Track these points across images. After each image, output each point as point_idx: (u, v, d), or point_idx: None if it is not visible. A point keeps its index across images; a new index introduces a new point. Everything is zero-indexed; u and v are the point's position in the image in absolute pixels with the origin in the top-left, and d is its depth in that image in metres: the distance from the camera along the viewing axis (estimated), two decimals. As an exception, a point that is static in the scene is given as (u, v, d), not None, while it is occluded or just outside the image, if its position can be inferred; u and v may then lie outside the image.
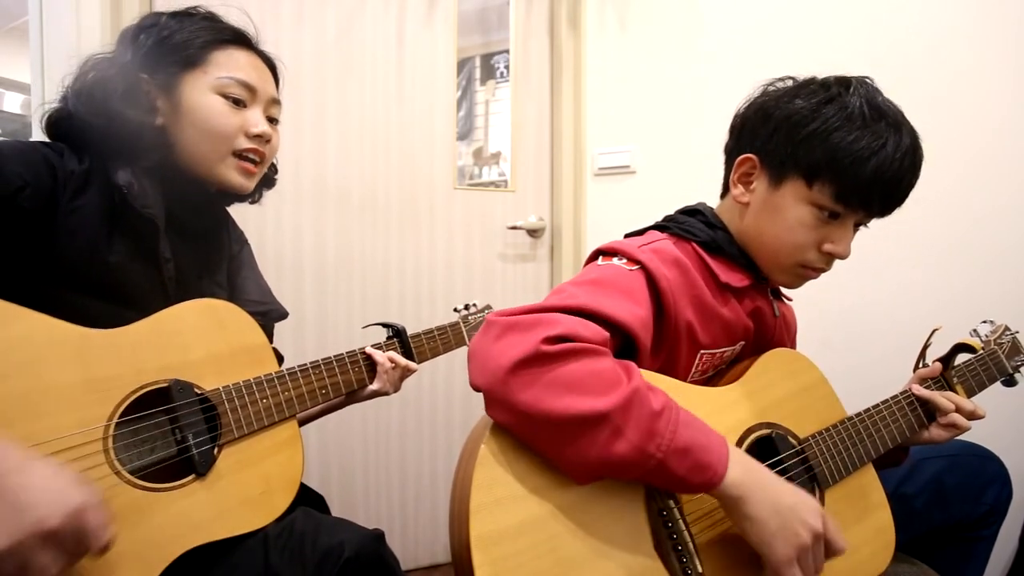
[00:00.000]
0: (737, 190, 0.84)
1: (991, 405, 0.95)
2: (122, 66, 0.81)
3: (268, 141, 0.87)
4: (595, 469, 0.63)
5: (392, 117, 1.70)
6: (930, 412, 0.91)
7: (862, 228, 0.83)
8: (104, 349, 0.70)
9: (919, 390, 0.91)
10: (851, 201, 0.76)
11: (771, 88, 0.83)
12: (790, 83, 0.82)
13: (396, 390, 0.99)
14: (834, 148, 0.74)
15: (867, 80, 0.79)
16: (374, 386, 0.96)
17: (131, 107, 0.79)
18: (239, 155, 0.84)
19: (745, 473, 0.64)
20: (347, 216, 1.65)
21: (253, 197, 0.99)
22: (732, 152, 0.86)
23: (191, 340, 0.76)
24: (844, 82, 0.78)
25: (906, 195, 0.78)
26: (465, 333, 1.08)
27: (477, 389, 0.65)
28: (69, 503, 0.53)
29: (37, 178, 0.73)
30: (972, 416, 0.91)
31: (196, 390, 0.74)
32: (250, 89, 0.85)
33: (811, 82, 0.80)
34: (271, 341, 0.93)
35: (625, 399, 0.61)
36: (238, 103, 0.84)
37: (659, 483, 0.65)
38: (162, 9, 0.87)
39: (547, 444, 0.63)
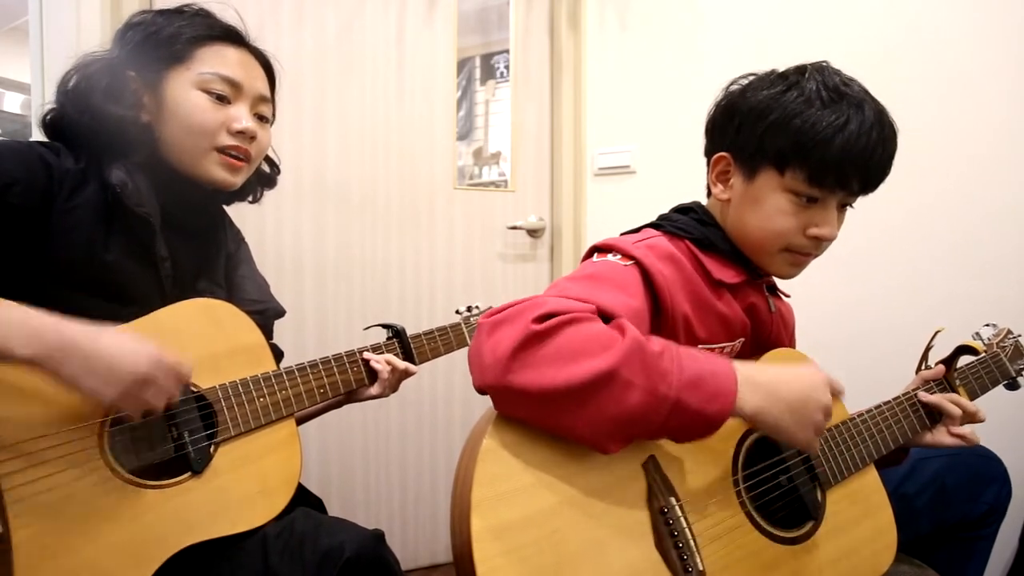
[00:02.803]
0: (717, 189, 0.85)
1: (991, 405, 0.95)
2: (109, 63, 0.81)
3: (253, 138, 0.86)
4: (616, 429, 0.62)
5: (392, 117, 1.70)
6: (932, 414, 0.91)
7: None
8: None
9: (926, 396, 0.91)
10: (825, 182, 0.76)
11: (733, 87, 0.84)
12: (752, 79, 0.83)
13: (394, 391, 0.99)
14: (796, 132, 0.75)
15: (824, 64, 0.80)
16: (373, 391, 0.95)
17: (115, 103, 0.79)
18: (222, 151, 0.83)
19: (754, 389, 0.66)
20: (347, 216, 1.65)
21: (254, 196, 0.99)
22: (709, 153, 0.87)
23: (188, 339, 0.76)
24: (800, 69, 0.79)
25: (884, 169, 0.78)
26: (466, 334, 1.08)
27: (482, 391, 0.64)
28: (146, 352, 0.65)
29: (29, 175, 0.72)
30: (972, 419, 0.91)
31: (192, 388, 0.74)
32: (234, 85, 0.84)
33: (770, 74, 0.81)
34: (270, 338, 0.93)
35: (626, 351, 0.61)
36: (222, 99, 0.83)
37: (680, 425, 0.63)
38: (159, 8, 0.87)
39: (563, 419, 0.62)
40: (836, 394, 0.73)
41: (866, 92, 0.78)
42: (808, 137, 0.74)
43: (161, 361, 0.65)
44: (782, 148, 0.76)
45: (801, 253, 0.82)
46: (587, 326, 0.63)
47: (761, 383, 0.67)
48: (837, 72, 0.79)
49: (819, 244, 0.81)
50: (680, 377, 0.62)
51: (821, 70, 0.78)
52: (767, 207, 0.79)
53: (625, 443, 0.64)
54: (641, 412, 0.61)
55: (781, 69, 0.81)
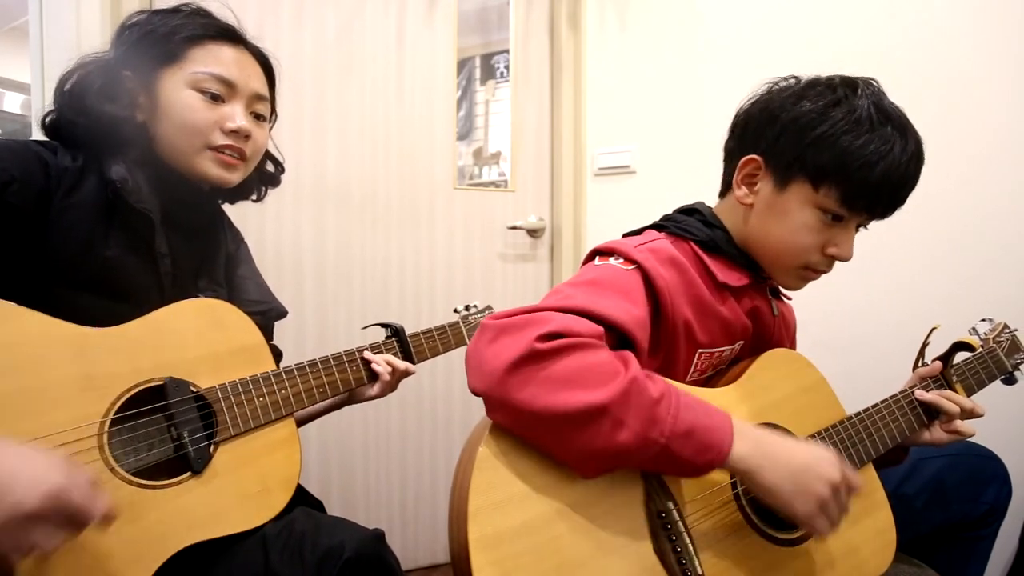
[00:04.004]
0: (740, 191, 0.83)
1: (991, 404, 0.94)
2: (105, 64, 0.82)
3: (248, 137, 0.85)
4: (600, 461, 0.63)
5: (392, 117, 1.70)
6: (930, 412, 0.91)
7: (861, 230, 0.83)
8: (101, 347, 0.70)
9: (923, 394, 0.91)
10: (856, 205, 0.76)
11: (775, 88, 0.82)
12: (794, 83, 0.81)
13: (393, 390, 0.99)
14: (843, 152, 0.74)
15: (873, 82, 0.79)
16: (373, 391, 0.95)
17: (109, 103, 0.79)
18: (216, 150, 0.83)
19: (754, 446, 0.65)
20: (347, 216, 1.65)
21: (257, 194, 0.99)
22: (734, 152, 0.85)
23: (188, 339, 0.76)
24: (851, 84, 0.77)
25: (907, 198, 0.79)
26: (465, 333, 1.07)
27: (476, 394, 0.64)
28: (45, 485, 0.52)
29: (26, 174, 0.72)
30: (971, 415, 0.91)
31: (192, 388, 0.74)
32: (228, 84, 0.83)
33: (817, 83, 0.79)
34: (270, 339, 0.93)
35: (623, 389, 0.61)
36: (215, 98, 0.83)
37: (666, 468, 0.65)
38: (158, 8, 0.87)
39: (550, 441, 0.63)
40: (851, 486, 0.68)
41: (907, 118, 0.77)
42: (854, 157, 0.73)
43: (60, 498, 0.52)
44: (824, 164, 0.75)
45: (815, 270, 0.82)
46: (590, 354, 0.63)
47: (760, 443, 0.66)
48: (883, 93, 0.78)
49: (832, 263, 0.81)
50: (673, 427, 0.62)
51: (871, 87, 0.77)
52: (794, 220, 0.78)
53: (603, 472, 0.65)
54: (628, 451, 0.62)
55: (825, 77, 0.80)
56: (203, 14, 0.86)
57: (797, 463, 0.66)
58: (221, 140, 0.83)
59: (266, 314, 0.94)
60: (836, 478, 0.67)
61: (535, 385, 0.61)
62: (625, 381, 0.61)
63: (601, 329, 0.66)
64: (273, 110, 0.93)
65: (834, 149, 0.74)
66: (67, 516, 0.53)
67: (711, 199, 0.91)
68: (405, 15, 1.71)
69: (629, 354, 0.66)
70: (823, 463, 0.67)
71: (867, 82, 0.78)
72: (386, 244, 1.70)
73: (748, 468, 0.65)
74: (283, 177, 1.03)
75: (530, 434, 0.64)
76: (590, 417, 0.61)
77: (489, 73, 2.51)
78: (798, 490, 0.65)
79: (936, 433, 0.91)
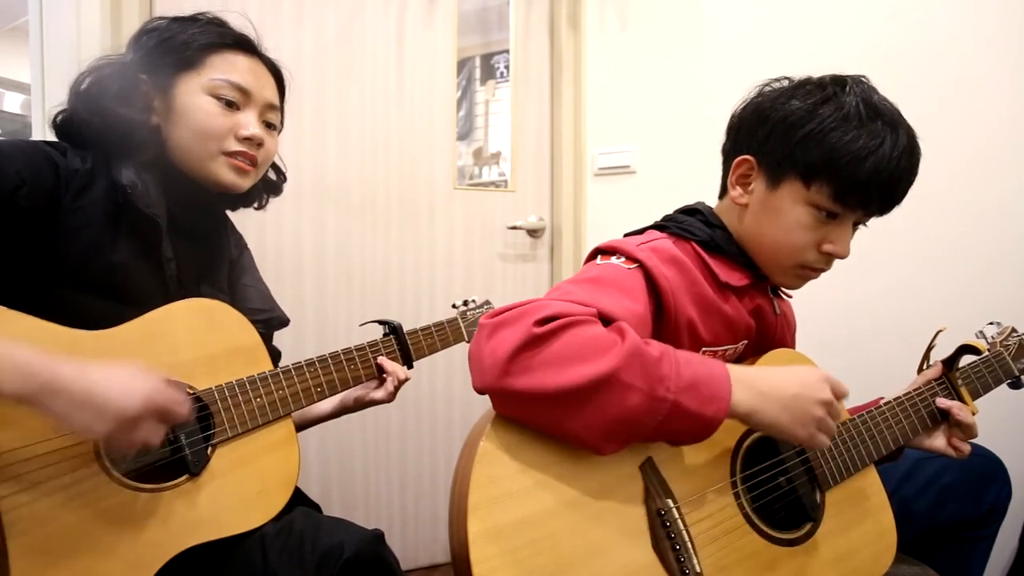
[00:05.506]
0: (735, 191, 0.83)
1: (991, 404, 0.94)
2: (122, 66, 0.82)
3: (260, 145, 0.86)
4: (613, 431, 0.62)
5: (392, 117, 1.70)
6: (935, 417, 0.91)
7: (861, 227, 0.83)
8: (95, 351, 0.69)
9: (944, 402, 0.91)
10: (849, 201, 0.76)
11: (767, 89, 0.83)
12: (786, 83, 0.82)
13: (392, 400, 0.98)
14: (831, 148, 0.74)
15: (863, 79, 0.79)
16: (379, 395, 0.95)
17: (125, 105, 0.80)
18: (230, 156, 0.84)
19: (749, 388, 0.67)
20: (347, 216, 1.65)
21: (259, 202, 0.99)
22: (729, 153, 0.86)
23: (183, 340, 0.76)
24: (840, 81, 0.78)
25: (904, 194, 0.78)
26: (463, 329, 1.07)
27: (481, 391, 0.64)
28: (138, 391, 0.62)
29: (37, 177, 0.73)
30: (969, 431, 0.91)
31: (188, 390, 0.74)
32: (244, 92, 0.84)
33: (807, 82, 0.80)
34: (270, 344, 0.92)
35: (626, 355, 0.61)
36: (231, 105, 0.83)
37: (676, 426, 0.63)
38: (162, 10, 0.87)
39: (561, 421, 0.63)
40: (839, 395, 0.72)
41: (900, 113, 0.77)
42: (842, 153, 0.73)
43: (154, 399, 0.62)
44: (813, 161, 0.75)
45: (812, 269, 0.82)
46: (587, 329, 0.63)
47: (754, 384, 0.67)
48: (874, 89, 0.78)
49: (830, 260, 0.81)
50: (678, 381, 0.62)
51: (860, 84, 0.77)
52: (787, 219, 0.79)
53: (621, 445, 0.65)
54: (639, 414, 0.61)
55: (816, 76, 0.80)
56: (220, 23, 0.87)
57: (789, 393, 0.68)
58: (235, 146, 0.84)
59: (268, 322, 0.94)
60: (827, 397, 0.70)
61: (538, 368, 0.61)
62: (626, 347, 0.61)
63: (595, 310, 0.66)
64: (281, 120, 0.94)
65: (822, 146, 0.74)
66: (160, 414, 0.63)
67: (711, 199, 0.91)
68: (405, 15, 1.71)
69: (623, 323, 0.65)
70: (809, 386, 0.69)
71: (856, 79, 0.78)
72: (386, 244, 1.70)
73: (747, 410, 0.66)
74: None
75: (539, 419, 0.64)
76: (597, 388, 0.60)
77: (489, 73, 2.51)
78: (794, 419, 0.68)
79: (937, 441, 0.91)
